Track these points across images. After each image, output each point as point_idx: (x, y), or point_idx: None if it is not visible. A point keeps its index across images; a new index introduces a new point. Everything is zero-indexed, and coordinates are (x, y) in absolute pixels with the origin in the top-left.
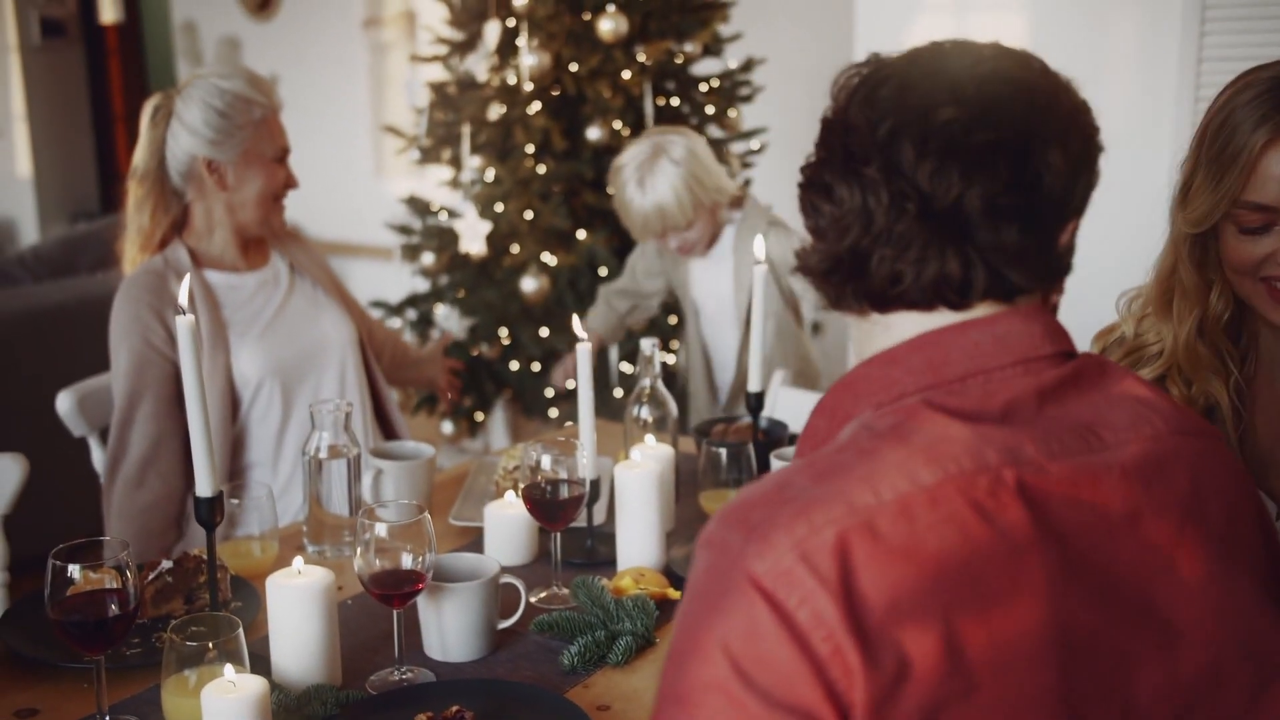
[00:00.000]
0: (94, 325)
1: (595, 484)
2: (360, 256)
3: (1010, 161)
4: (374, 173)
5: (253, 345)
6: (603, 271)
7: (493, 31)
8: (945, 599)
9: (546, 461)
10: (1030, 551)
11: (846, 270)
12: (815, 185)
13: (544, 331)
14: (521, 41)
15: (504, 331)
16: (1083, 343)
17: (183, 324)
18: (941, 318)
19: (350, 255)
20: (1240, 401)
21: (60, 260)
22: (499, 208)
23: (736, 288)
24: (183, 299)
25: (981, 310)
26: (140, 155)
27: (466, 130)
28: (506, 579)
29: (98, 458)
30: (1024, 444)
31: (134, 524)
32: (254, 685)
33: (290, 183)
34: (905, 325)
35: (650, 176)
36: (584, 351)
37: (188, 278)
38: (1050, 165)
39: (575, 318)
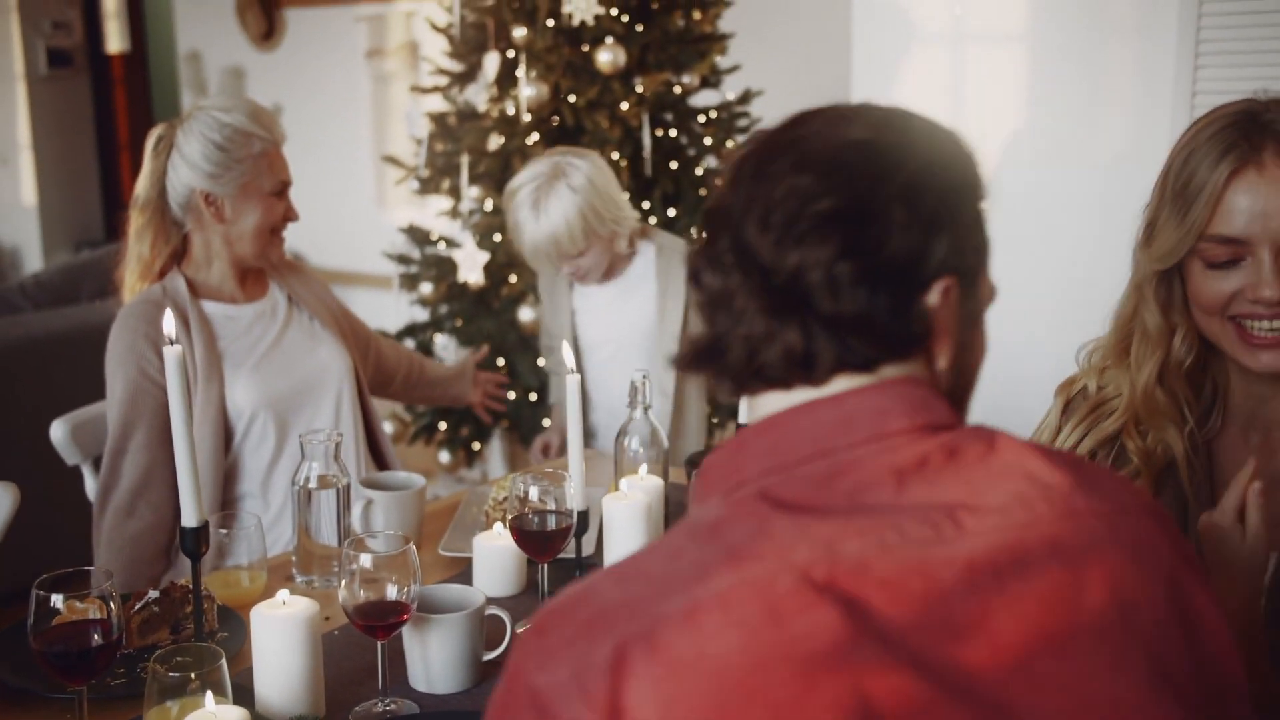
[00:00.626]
0: (93, 353)
1: (584, 515)
2: (361, 285)
3: (848, 228)
4: (376, 202)
5: (247, 377)
6: None
7: (492, 63)
8: (727, 715)
9: (535, 492)
10: (833, 657)
11: (710, 354)
12: (690, 274)
13: (541, 361)
14: (520, 73)
15: (501, 361)
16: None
17: (170, 355)
18: (801, 395)
19: (351, 284)
20: (1198, 453)
21: (61, 288)
22: (497, 237)
23: (661, 317)
24: (168, 329)
25: (840, 385)
26: (142, 185)
27: (465, 160)
28: (492, 610)
29: (90, 487)
30: (847, 537)
31: (123, 553)
32: (234, 716)
33: (290, 216)
34: (769, 406)
35: (546, 200)
36: (573, 383)
37: (168, 312)
38: (894, 227)
39: (565, 345)
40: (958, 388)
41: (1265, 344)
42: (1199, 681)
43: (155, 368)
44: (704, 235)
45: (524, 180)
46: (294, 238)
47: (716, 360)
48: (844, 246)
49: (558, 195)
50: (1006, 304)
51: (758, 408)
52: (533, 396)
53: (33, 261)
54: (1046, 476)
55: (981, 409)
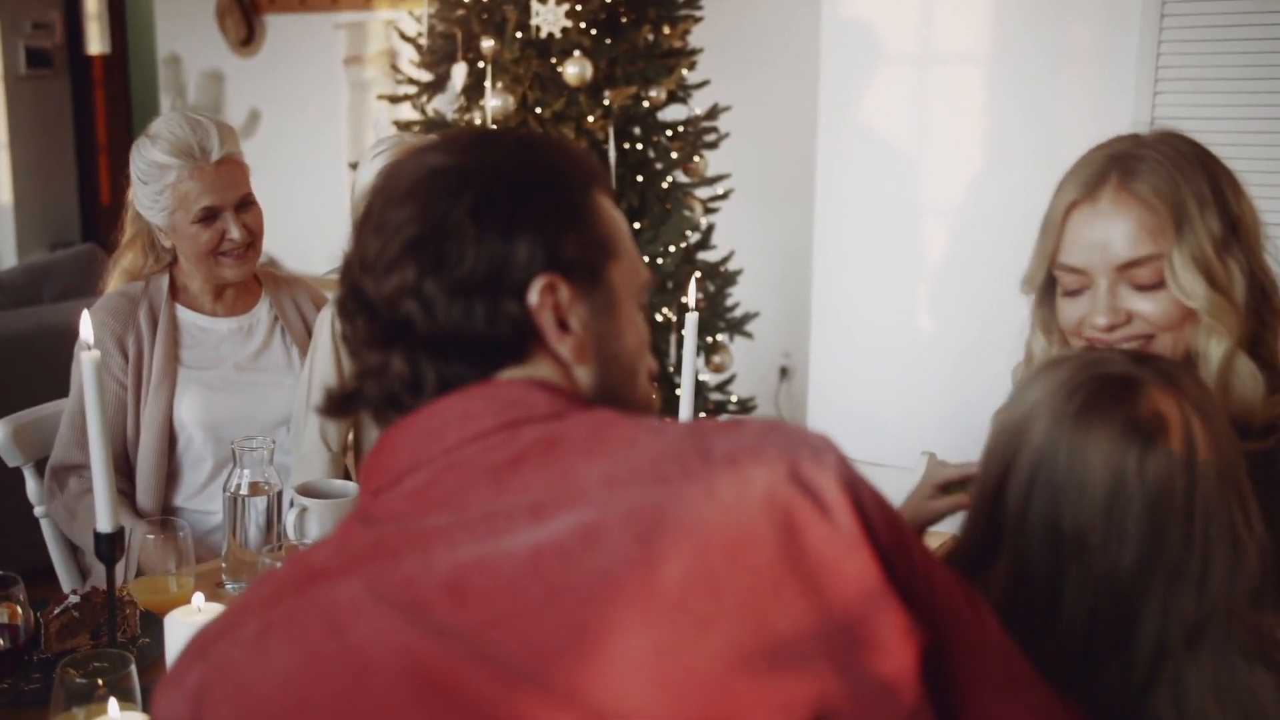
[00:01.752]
0: (53, 355)
1: None
2: (334, 290)
3: (428, 249)
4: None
5: (195, 393)
6: None
7: (460, 73)
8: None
9: None
10: (392, 667)
11: (351, 396)
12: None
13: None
14: (487, 84)
15: None
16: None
17: (86, 360)
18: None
19: (325, 289)
20: None
21: (24, 289)
22: None
23: None
24: (85, 334)
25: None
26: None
27: None
28: None
29: (32, 489)
30: (417, 545)
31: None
32: None
33: (227, 236)
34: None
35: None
36: None
37: (85, 315)
38: (468, 241)
39: None
40: (611, 377)
41: None
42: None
43: (117, 365)
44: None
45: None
46: (270, 242)
47: (357, 400)
48: (426, 267)
49: None
50: (984, 315)
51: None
52: None
53: (7, 261)
54: (607, 457)
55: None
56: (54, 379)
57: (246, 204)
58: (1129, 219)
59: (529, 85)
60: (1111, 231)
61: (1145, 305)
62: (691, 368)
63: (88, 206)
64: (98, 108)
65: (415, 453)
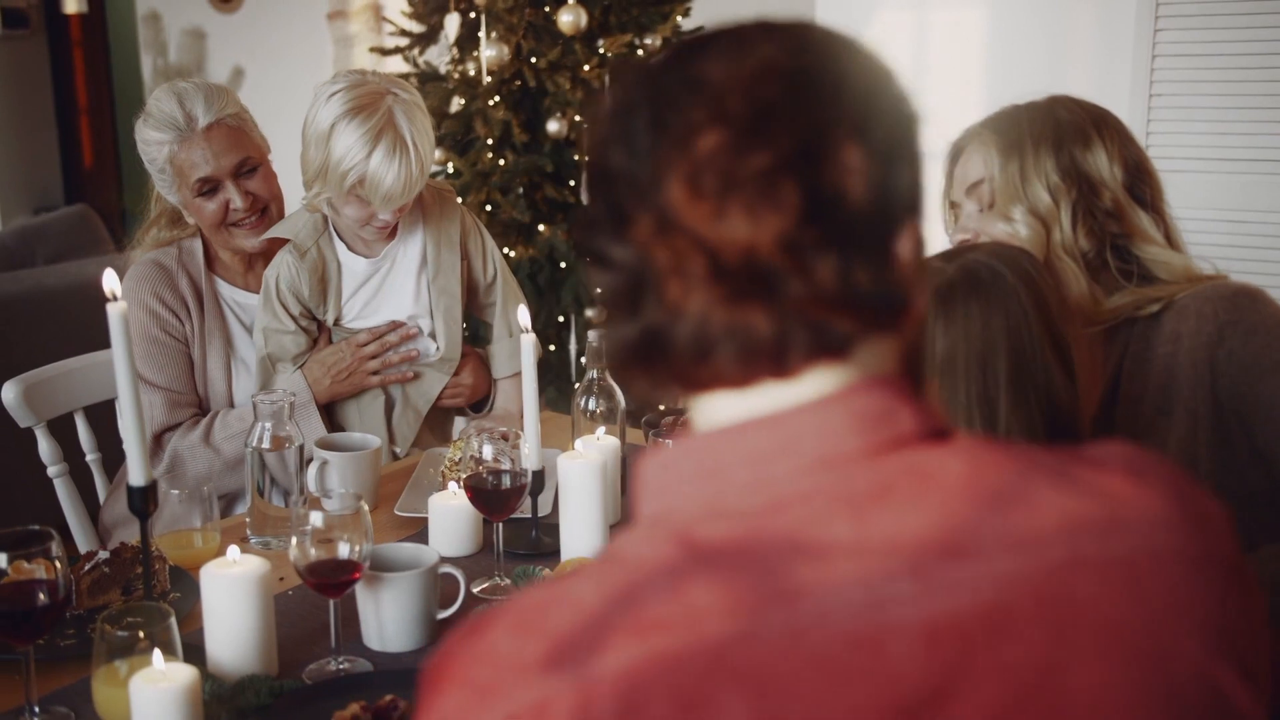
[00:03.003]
0: (48, 317)
1: (540, 475)
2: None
3: (798, 184)
4: None
5: (248, 377)
6: (562, 265)
7: (453, 23)
8: None
9: (489, 451)
10: None
11: (646, 353)
12: (590, 254)
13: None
14: (481, 34)
15: (463, 324)
16: None
17: (113, 312)
18: (759, 397)
19: None
20: None
21: (16, 251)
22: (459, 200)
23: (436, 284)
24: (110, 285)
25: (810, 377)
26: None
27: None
28: (446, 569)
29: (45, 449)
30: (771, 605)
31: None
32: (184, 674)
33: (231, 206)
34: (721, 410)
35: (409, 129)
36: (528, 343)
37: (109, 272)
38: (850, 173)
39: (522, 308)
40: (916, 363)
41: None
42: None
43: (174, 328)
44: (597, 202)
45: (362, 104)
46: None
47: (656, 360)
48: (801, 209)
49: (419, 125)
50: None
51: (700, 410)
52: None
53: None
54: (1066, 508)
55: None
56: (50, 341)
57: (248, 169)
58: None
59: (523, 34)
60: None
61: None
62: None
63: (70, 169)
64: (77, 68)
65: (756, 467)
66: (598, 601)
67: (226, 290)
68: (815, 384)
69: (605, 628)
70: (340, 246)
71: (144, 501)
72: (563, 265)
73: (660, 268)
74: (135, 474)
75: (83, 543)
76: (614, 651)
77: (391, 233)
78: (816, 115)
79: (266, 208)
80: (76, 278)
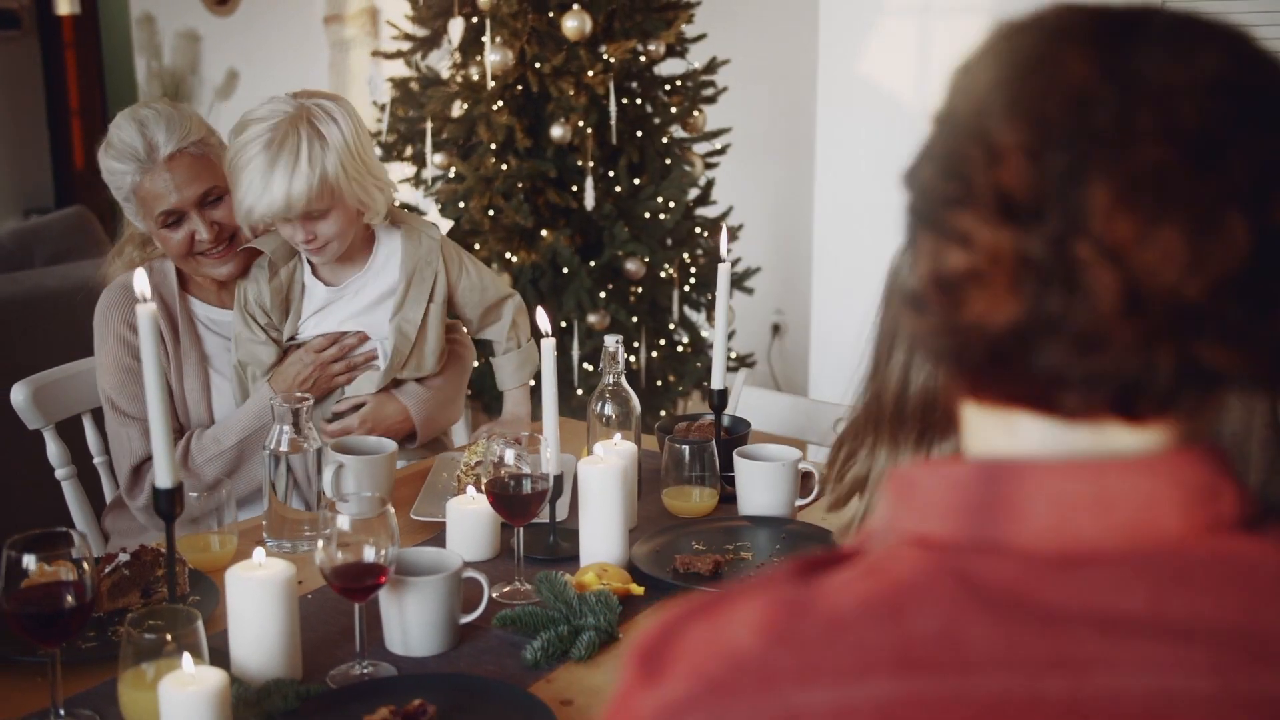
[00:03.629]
0: (48, 319)
1: (559, 479)
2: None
3: (1247, 221)
4: None
5: (229, 392)
6: (565, 271)
7: (456, 28)
8: None
9: (510, 456)
10: None
11: (995, 359)
12: (940, 227)
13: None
14: (485, 38)
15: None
16: None
17: (143, 312)
18: (1082, 434)
19: None
20: None
21: (15, 253)
22: (461, 205)
23: (397, 319)
24: (140, 287)
25: (1152, 429)
26: None
27: (429, 127)
28: (469, 574)
29: (53, 451)
30: (1083, 641)
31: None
32: (213, 678)
33: (196, 237)
34: (1030, 433)
35: (294, 143)
36: (548, 347)
37: (139, 271)
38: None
39: (540, 310)
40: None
41: None
42: None
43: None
44: (953, 175)
45: (262, 116)
46: None
47: (1005, 368)
48: (1249, 249)
49: (307, 141)
50: None
51: (1017, 430)
52: None
53: None
54: None
55: None
56: (50, 343)
57: (213, 198)
58: None
59: (526, 39)
60: None
61: None
62: (724, 322)
63: (61, 172)
64: (69, 70)
65: (1061, 515)
66: (856, 615)
67: (201, 309)
68: (1150, 438)
69: (864, 648)
70: (306, 269)
71: (170, 504)
72: (564, 271)
73: (1047, 273)
74: (161, 475)
75: (91, 546)
76: (875, 680)
77: (364, 253)
78: (1272, 144)
79: (235, 234)
80: (75, 279)
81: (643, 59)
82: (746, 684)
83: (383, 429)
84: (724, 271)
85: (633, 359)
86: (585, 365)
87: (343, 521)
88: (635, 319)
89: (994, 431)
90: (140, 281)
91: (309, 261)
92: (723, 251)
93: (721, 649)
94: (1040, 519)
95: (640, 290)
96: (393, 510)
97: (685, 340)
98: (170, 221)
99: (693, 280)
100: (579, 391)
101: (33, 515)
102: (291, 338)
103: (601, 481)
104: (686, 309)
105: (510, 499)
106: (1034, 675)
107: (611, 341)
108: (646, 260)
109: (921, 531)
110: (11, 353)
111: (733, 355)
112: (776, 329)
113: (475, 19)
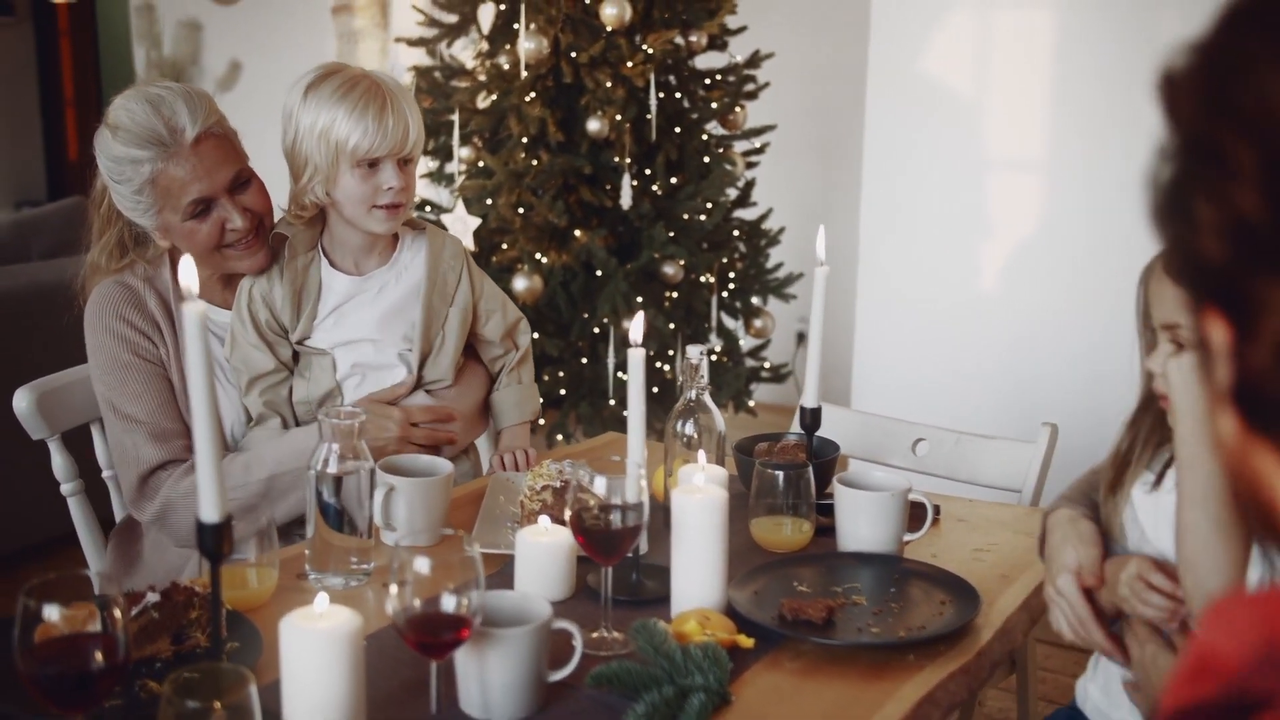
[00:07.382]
0: (45, 313)
1: (652, 511)
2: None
3: None
4: None
5: (236, 398)
6: (599, 273)
7: (487, 14)
8: None
9: (600, 485)
10: None
11: None
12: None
13: (535, 335)
14: (519, 24)
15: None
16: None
17: (190, 312)
18: None
19: None
20: None
21: (12, 246)
22: (489, 202)
23: (424, 324)
24: (187, 282)
25: None
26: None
27: (456, 118)
28: (560, 623)
29: (59, 464)
30: None
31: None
32: None
33: (228, 227)
34: None
35: (390, 84)
36: (636, 358)
37: (187, 260)
38: None
39: (640, 315)
40: None
41: None
42: None
43: (146, 350)
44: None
45: (333, 70)
46: None
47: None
48: None
49: (400, 93)
50: (1067, 292)
51: None
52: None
53: None
54: None
55: (1056, 413)
56: (47, 339)
57: (243, 182)
58: None
59: (561, 27)
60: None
61: None
62: (819, 330)
63: (54, 163)
64: (64, 59)
65: None
66: None
67: (206, 310)
68: None
69: None
70: (324, 264)
71: (218, 541)
72: (599, 273)
73: None
74: (208, 507)
75: (95, 568)
76: None
77: (388, 251)
78: None
79: (261, 222)
80: (74, 273)
81: (682, 51)
82: None
83: (464, 421)
84: (820, 276)
85: (666, 368)
86: (619, 374)
87: (421, 564)
88: (672, 325)
89: None
90: (187, 273)
91: (324, 256)
92: (819, 254)
93: None
94: None
95: (675, 295)
96: (479, 552)
97: (719, 349)
98: (199, 211)
99: (731, 286)
100: (611, 402)
101: (42, 529)
102: (302, 340)
103: (700, 515)
104: (724, 316)
105: (601, 534)
106: None
107: (695, 352)
108: (682, 263)
109: None
110: (6, 347)
111: (767, 366)
112: (801, 338)
113: (505, 4)
